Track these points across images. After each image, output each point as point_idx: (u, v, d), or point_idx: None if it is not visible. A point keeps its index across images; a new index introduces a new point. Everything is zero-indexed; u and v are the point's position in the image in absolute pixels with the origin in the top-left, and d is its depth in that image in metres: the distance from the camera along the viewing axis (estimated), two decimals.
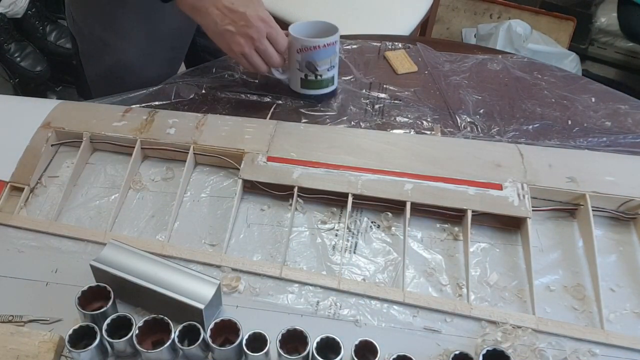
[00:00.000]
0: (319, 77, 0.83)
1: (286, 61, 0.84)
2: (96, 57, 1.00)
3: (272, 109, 0.83)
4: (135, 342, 0.51)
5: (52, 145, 0.73)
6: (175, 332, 0.52)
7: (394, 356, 0.51)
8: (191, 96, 0.86)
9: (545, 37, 2.01)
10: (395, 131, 0.81)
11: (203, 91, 0.87)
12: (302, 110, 0.84)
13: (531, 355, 0.55)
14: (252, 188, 0.70)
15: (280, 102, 0.86)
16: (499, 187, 0.66)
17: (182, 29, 1.00)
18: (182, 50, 1.06)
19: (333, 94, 0.88)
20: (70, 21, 0.99)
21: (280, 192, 0.69)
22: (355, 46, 0.98)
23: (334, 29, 0.82)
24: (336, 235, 0.66)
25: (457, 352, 0.52)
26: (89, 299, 0.55)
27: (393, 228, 0.67)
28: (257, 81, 0.90)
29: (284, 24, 0.85)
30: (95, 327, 0.52)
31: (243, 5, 0.76)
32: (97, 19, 0.94)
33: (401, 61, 0.95)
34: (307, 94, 0.86)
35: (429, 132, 0.81)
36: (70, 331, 0.51)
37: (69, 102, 0.79)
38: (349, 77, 0.91)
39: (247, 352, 0.51)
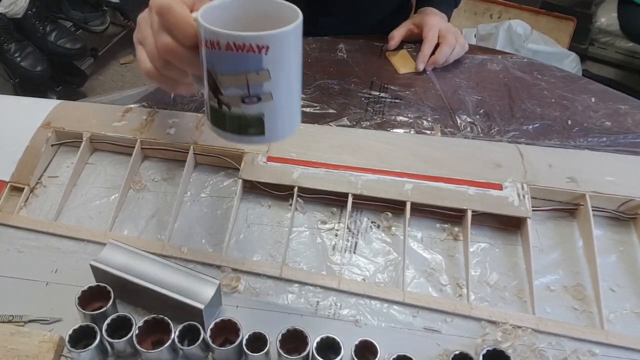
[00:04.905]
0: (223, 107, 0.44)
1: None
2: None
3: None
4: (135, 342, 0.51)
5: (52, 145, 0.73)
6: (175, 332, 0.52)
7: (394, 356, 0.51)
8: (191, 96, 0.86)
9: (545, 37, 2.01)
10: (395, 130, 0.81)
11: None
12: (302, 110, 0.84)
13: (531, 355, 0.55)
14: (252, 188, 0.70)
15: None
16: (499, 187, 0.66)
17: None
18: None
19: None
20: None
21: (280, 192, 0.69)
22: (357, 45, 0.98)
23: (288, 19, 0.41)
24: (336, 235, 0.66)
25: (457, 352, 0.52)
26: (89, 299, 0.55)
27: (393, 228, 0.67)
28: None
29: None
30: (95, 327, 0.52)
31: None
32: None
33: (402, 61, 0.95)
34: (217, 133, 0.47)
35: (429, 132, 0.81)
36: (70, 331, 0.51)
37: (69, 102, 0.79)
38: (350, 77, 0.91)
39: (247, 352, 0.51)
